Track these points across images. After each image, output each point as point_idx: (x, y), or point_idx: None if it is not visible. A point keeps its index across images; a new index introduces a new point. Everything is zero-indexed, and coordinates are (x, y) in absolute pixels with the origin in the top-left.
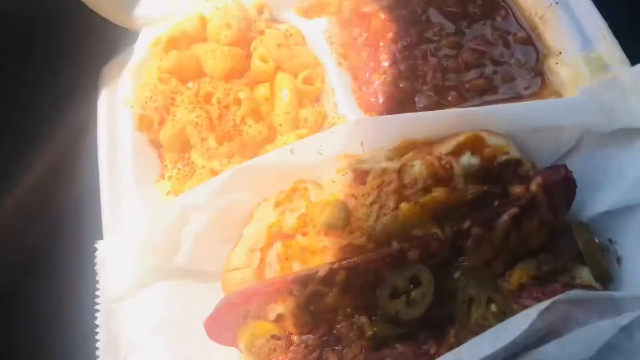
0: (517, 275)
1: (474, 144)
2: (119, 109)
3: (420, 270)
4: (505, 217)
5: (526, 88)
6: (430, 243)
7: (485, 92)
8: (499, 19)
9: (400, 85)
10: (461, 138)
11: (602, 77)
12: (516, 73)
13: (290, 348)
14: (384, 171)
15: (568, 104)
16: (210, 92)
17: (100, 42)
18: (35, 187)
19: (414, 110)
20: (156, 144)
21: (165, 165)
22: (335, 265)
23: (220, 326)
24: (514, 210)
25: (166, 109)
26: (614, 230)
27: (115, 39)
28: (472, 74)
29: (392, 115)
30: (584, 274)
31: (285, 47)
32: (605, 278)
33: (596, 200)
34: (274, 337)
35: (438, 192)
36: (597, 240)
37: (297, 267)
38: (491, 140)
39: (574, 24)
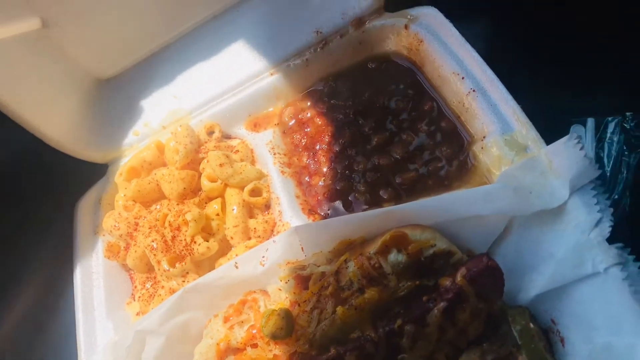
0: None
1: (398, 241)
2: (92, 240)
3: None
4: (435, 311)
5: (455, 176)
6: (365, 345)
7: (416, 185)
8: (426, 111)
9: (338, 187)
10: (386, 236)
11: (522, 159)
12: (445, 162)
13: None
14: (322, 275)
15: (483, 193)
16: (165, 214)
17: (76, 177)
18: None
19: (353, 210)
20: (127, 267)
21: (136, 287)
22: None
23: None
24: (443, 304)
25: (129, 235)
26: (554, 310)
27: (90, 173)
28: (404, 168)
29: (327, 220)
30: None
31: (227, 165)
32: None
33: (533, 282)
34: None
35: (370, 293)
36: (532, 325)
37: None
38: (415, 235)
39: (491, 108)
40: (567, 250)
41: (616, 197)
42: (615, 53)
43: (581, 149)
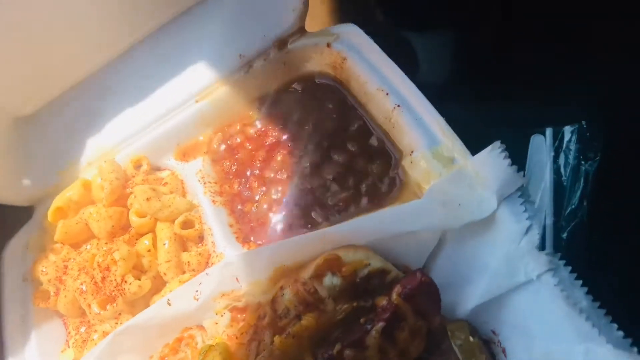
0: None
1: (331, 264)
2: (20, 287)
3: None
4: (373, 332)
5: (387, 194)
6: None
7: (349, 205)
8: (355, 129)
9: (271, 212)
10: (319, 260)
11: (450, 171)
12: (376, 180)
13: None
14: (259, 305)
15: (412, 209)
16: (94, 255)
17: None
18: None
19: (288, 235)
20: (61, 313)
21: (69, 333)
22: None
23: None
24: (380, 324)
25: (59, 279)
26: (493, 321)
27: (15, 217)
28: (336, 188)
29: (260, 247)
30: None
31: (155, 199)
32: None
33: (470, 295)
34: None
35: (307, 319)
36: (472, 338)
37: None
38: (349, 256)
39: (417, 122)
40: (499, 260)
41: (573, 206)
42: (569, 63)
43: (505, 157)
